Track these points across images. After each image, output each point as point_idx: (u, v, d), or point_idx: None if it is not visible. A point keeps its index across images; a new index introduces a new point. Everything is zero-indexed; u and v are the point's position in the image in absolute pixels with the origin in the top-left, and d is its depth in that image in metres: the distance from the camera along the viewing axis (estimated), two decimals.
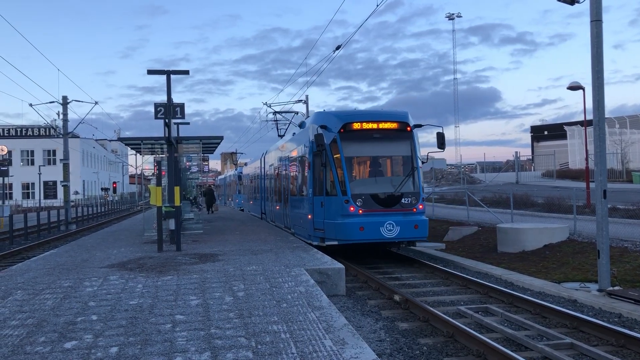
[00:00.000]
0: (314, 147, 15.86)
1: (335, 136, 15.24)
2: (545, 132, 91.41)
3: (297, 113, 34.70)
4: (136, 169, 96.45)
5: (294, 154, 19.37)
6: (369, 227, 14.52)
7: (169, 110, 16.27)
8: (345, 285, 11.29)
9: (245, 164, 45.31)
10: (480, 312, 9.63)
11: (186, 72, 17.03)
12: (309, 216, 16.35)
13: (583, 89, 23.80)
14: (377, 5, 16.33)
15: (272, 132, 42.32)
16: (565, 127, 76.60)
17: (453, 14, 79.98)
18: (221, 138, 19.58)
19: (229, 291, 9.02)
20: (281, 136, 34.22)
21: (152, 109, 15.80)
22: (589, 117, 31.16)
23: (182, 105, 16.53)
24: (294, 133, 20.02)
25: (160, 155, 20.82)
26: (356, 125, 15.38)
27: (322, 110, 17.24)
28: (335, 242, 15.04)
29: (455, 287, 12.13)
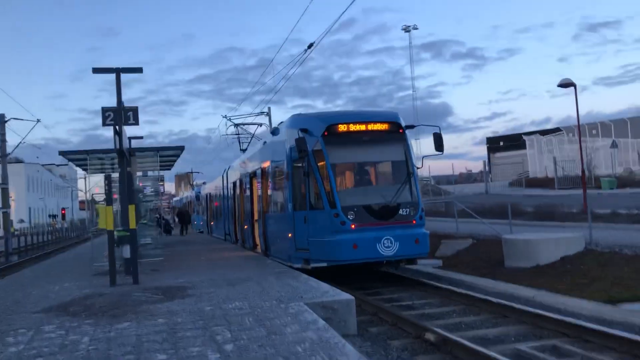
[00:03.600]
0: (293, 154, 13.51)
1: (319, 140, 12.90)
2: (501, 143, 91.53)
3: (260, 125, 32.28)
4: (86, 193, 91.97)
5: (266, 165, 16.90)
6: (363, 244, 12.17)
7: (120, 115, 13.65)
8: (356, 322, 8.84)
9: (204, 183, 42.38)
10: (547, 352, 7.32)
11: (139, 70, 14.39)
12: (289, 235, 13.89)
13: (574, 85, 22.22)
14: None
15: (229, 150, 39.86)
16: (525, 137, 76.45)
17: (409, 26, 79.17)
18: (182, 149, 16.94)
19: (212, 343, 6.46)
20: (244, 150, 31.74)
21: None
22: (582, 117, 29.90)
23: (135, 110, 13.94)
24: (265, 142, 17.56)
25: (111, 173, 18.02)
26: (342, 128, 13.09)
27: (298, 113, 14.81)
28: (324, 264, 12.64)
29: (489, 316, 9.81)
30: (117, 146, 13.72)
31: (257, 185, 18.68)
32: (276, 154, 15.28)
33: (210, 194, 35.72)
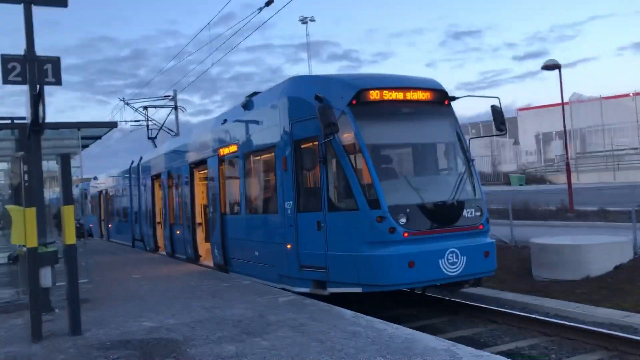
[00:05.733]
0: (297, 132, 9.65)
1: (345, 112, 9.00)
2: None
3: (176, 108, 27.39)
4: None
5: (228, 151, 12.67)
6: (423, 260, 8.45)
7: (34, 68, 8.92)
8: None
9: (95, 178, 36.17)
10: None
11: (62, 3, 9.67)
12: (288, 246, 9.87)
13: (559, 67, 19.97)
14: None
15: (125, 140, 34.17)
16: None
17: (306, 17, 75.90)
18: (112, 125, 12.24)
19: None
20: (152, 138, 26.72)
21: None
22: (566, 97, 27.66)
23: (55, 61, 9.24)
24: (225, 120, 13.23)
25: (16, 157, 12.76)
26: (374, 95, 9.25)
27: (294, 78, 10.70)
28: (357, 289, 8.77)
29: None
30: (33, 116, 8.96)
31: (207, 178, 14.32)
32: (259, 133, 11.13)
33: (107, 191, 30.10)
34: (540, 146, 59.43)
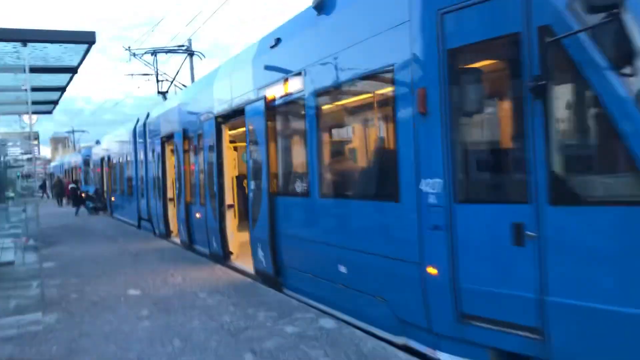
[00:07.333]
0: (458, 31, 4.59)
1: None
2: None
3: (191, 55, 22.14)
4: None
5: (289, 88, 7.52)
6: None
7: None
8: None
9: (98, 143, 31.05)
10: None
11: None
12: (429, 269, 4.83)
13: None
14: None
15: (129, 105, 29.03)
16: None
17: None
18: (89, 39, 7.14)
19: None
20: (163, 93, 21.65)
21: None
22: None
23: None
24: (278, 40, 8.06)
25: None
26: None
27: None
28: None
29: None
30: None
31: (244, 136, 9.25)
32: (353, 48, 5.95)
33: (109, 157, 25.01)
34: None
